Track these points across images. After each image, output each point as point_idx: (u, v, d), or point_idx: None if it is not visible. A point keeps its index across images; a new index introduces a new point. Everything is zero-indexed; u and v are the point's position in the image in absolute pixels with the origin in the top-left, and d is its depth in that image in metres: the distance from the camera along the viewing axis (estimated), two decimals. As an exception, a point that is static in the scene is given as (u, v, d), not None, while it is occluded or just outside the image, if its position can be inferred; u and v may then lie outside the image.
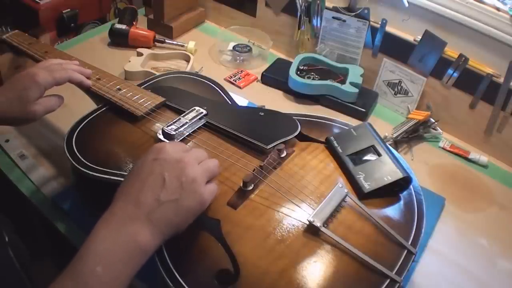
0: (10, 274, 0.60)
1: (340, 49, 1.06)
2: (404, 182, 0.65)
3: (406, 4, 0.92)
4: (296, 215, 0.59)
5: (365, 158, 0.69)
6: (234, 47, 1.12)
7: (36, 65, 0.71)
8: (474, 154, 0.90)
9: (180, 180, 0.51)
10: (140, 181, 0.51)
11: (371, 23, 0.98)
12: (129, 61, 1.02)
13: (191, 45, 1.12)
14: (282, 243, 0.56)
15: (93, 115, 0.73)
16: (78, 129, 0.69)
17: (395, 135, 0.91)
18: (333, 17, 1.02)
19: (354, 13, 0.99)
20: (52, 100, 0.69)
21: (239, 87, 1.04)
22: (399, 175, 0.65)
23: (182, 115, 0.72)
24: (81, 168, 0.63)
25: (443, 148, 0.92)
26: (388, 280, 0.53)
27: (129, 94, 0.75)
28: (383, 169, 0.66)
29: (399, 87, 0.99)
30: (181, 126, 0.70)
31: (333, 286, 0.52)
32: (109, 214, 0.49)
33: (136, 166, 0.54)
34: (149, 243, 0.48)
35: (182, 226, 0.51)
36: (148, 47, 1.11)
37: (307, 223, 0.57)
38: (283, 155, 0.68)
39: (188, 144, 0.69)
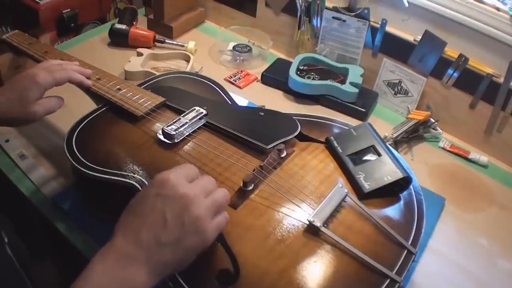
0: (10, 273, 0.60)
1: (340, 49, 1.06)
2: (404, 182, 0.65)
3: (406, 4, 0.92)
4: (296, 215, 0.59)
5: (365, 158, 0.69)
6: (234, 47, 1.12)
7: (36, 66, 0.71)
8: (474, 154, 0.90)
9: (182, 219, 0.48)
10: (141, 217, 0.49)
11: (371, 23, 0.98)
12: (129, 61, 1.03)
13: (191, 45, 1.12)
14: (282, 243, 0.56)
15: (93, 115, 0.73)
16: (78, 129, 0.69)
17: (395, 135, 0.91)
18: (333, 17, 1.02)
19: (354, 13, 0.99)
20: (52, 101, 0.69)
21: (239, 87, 1.04)
22: (399, 175, 0.65)
23: (182, 115, 0.72)
24: (81, 168, 0.63)
25: (443, 148, 0.92)
26: (388, 280, 0.53)
27: (129, 94, 0.75)
28: (383, 169, 0.66)
29: (399, 87, 0.99)
30: (181, 126, 0.70)
31: (333, 286, 0.52)
32: (109, 248, 0.47)
33: (138, 198, 0.51)
34: (145, 285, 0.46)
35: (182, 265, 0.49)
36: (148, 47, 1.11)
37: (307, 223, 0.57)
38: (283, 155, 0.68)
39: (188, 144, 0.69)
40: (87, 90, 0.77)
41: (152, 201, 0.49)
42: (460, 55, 0.89)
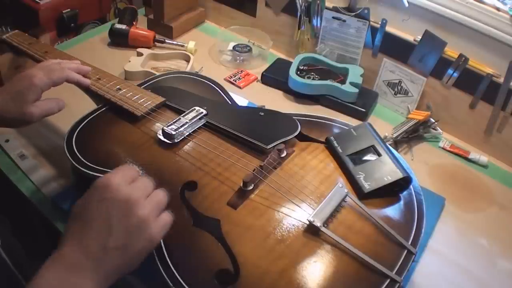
0: (4, 277, 0.59)
1: (340, 49, 1.06)
2: (404, 182, 0.65)
3: (406, 4, 0.92)
4: (296, 215, 0.59)
5: (365, 158, 0.69)
6: (234, 47, 1.12)
7: (36, 66, 0.71)
8: (474, 154, 0.90)
9: (128, 223, 0.48)
10: (86, 224, 0.48)
11: (371, 23, 0.98)
12: (129, 61, 1.02)
13: (191, 45, 1.12)
14: (282, 243, 0.56)
15: (93, 115, 0.73)
16: (78, 129, 0.70)
17: (395, 135, 0.91)
18: (333, 17, 1.02)
19: (354, 13, 0.99)
20: (50, 103, 0.68)
21: (239, 87, 1.04)
22: (399, 175, 0.65)
23: (182, 115, 0.72)
24: (81, 168, 0.63)
25: (443, 148, 0.92)
26: (388, 280, 0.53)
27: (129, 94, 0.75)
28: (383, 169, 0.66)
29: (399, 87, 0.99)
30: (181, 126, 0.70)
31: (333, 286, 0.52)
32: (58, 256, 0.46)
33: (81, 205, 0.50)
34: None
35: (132, 267, 0.49)
36: (148, 47, 1.11)
37: (307, 223, 0.57)
38: (283, 155, 0.68)
39: (188, 144, 0.69)
40: (87, 90, 0.77)
41: (95, 207, 0.48)
42: (460, 55, 0.89)
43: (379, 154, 0.69)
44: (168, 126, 0.69)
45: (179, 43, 1.14)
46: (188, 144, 0.69)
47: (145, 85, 0.82)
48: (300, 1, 1.04)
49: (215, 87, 0.85)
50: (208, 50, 1.16)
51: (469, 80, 0.90)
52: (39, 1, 1.24)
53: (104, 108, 0.75)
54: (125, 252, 0.47)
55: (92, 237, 0.47)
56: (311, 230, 0.57)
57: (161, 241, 0.53)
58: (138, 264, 0.49)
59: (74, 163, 0.64)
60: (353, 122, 0.93)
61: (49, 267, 0.46)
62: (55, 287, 0.44)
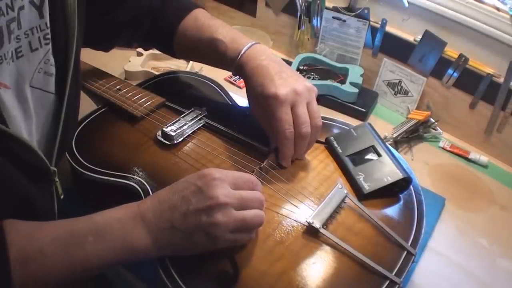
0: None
1: (340, 49, 1.06)
2: (404, 183, 0.65)
3: (406, 4, 0.92)
4: (295, 216, 0.59)
5: (365, 158, 0.69)
6: (234, 47, 1.12)
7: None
8: (474, 154, 0.90)
9: (199, 217, 0.49)
10: (171, 194, 0.51)
11: (371, 23, 0.98)
12: (129, 61, 1.02)
13: (191, 45, 1.12)
14: (281, 244, 0.56)
15: (92, 116, 0.73)
16: (78, 130, 0.69)
17: (395, 135, 0.91)
18: (333, 17, 1.02)
19: (354, 13, 0.99)
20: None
21: (239, 87, 1.04)
22: (399, 175, 0.65)
23: (182, 115, 0.72)
24: (81, 169, 0.63)
25: (443, 148, 0.92)
26: (387, 282, 0.53)
27: (129, 94, 0.75)
28: (383, 170, 0.66)
29: (399, 87, 0.99)
30: (180, 127, 0.70)
31: None
32: (137, 203, 0.51)
33: (183, 179, 0.52)
34: (147, 251, 0.49)
35: (186, 252, 0.51)
36: (148, 47, 1.11)
37: (307, 224, 0.57)
38: (282, 156, 0.68)
39: (188, 145, 0.69)
40: (87, 90, 0.77)
41: (186, 186, 0.51)
42: (460, 55, 0.89)
43: (379, 155, 0.68)
44: (168, 127, 0.69)
45: (179, 43, 1.13)
46: (188, 145, 0.69)
47: (145, 85, 0.82)
48: (300, 1, 1.04)
49: (215, 87, 0.85)
50: (208, 50, 1.15)
51: (469, 80, 0.90)
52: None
53: (104, 109, 0.74)
54: (187, 237, 0.49)
55: (168, 207, 0.50)
56: (311, 231, 0.57)
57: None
58: (193, 252, 0.51)
59: (73, 164, 0.64)
60: (353, 122, 0.93)
61: (125, 208, 0.51)
62: (119, 221, 0.49)
